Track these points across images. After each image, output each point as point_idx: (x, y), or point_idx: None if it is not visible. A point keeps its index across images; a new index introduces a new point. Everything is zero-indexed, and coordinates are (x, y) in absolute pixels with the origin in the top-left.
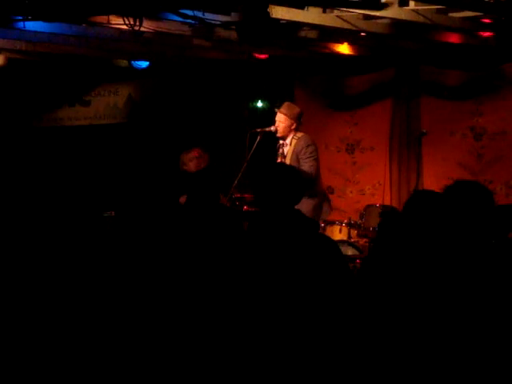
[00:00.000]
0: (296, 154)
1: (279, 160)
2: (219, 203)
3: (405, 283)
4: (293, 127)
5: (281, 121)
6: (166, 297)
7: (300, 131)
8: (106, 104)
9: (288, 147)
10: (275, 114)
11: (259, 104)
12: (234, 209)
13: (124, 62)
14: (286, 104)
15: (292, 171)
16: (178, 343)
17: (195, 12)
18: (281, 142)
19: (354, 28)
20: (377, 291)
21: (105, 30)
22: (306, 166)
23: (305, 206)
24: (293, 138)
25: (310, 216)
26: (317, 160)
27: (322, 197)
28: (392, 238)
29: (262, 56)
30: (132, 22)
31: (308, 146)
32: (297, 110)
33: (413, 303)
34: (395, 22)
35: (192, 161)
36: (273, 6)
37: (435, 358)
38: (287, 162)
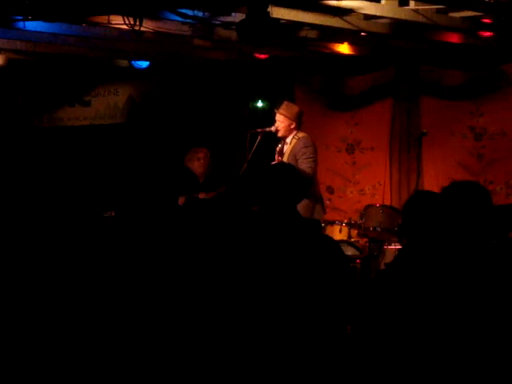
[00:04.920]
0: (294, 154)
1: (276, 158)
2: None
3: (405, 283)
4: (292, 126)
5: (280, 121)
6: (165, 297)
7: (302, 131)
8: (106, 104)
9: (287, 146)
10: (275, 114)
11: (259, 104)
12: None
13: (124, 62)
14: (284, 104)
15: (293, 170)
16: (177, 342)
17: (195, 12)
18: (282, 140)
19: (354, 28)
20: (377, 291)
21: (105, 30)
22: (303, 166)
23: (298, 206)
24: (293, 137)
25: None
26: (315, 162)
27: (315, 198)
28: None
29: (262, 56)
30: (132, 22)
31: (307, 146)
32: (296, 109)
33: (413, 303)
34: (395, 22)
35: (199, 160)
36: (273, 6)
37: (435, 358)
38: (284, 160)
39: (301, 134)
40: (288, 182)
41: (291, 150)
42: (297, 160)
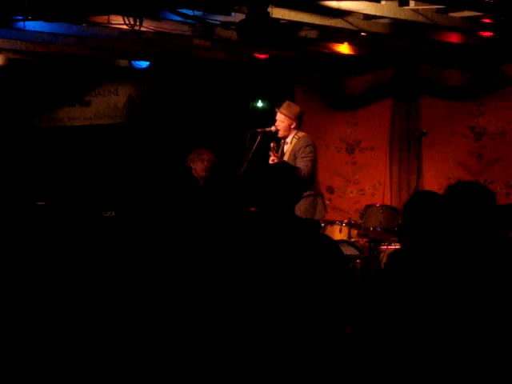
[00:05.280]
0: (294, 153)
1: (272, 158)
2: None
3: (405, 283)
4: (293, 126)
5: (281, 120)
6: (165, 296)
7: (302, 131)
8: (106, 104)
9: (288, 145)
10: (275, 113)
11: (259, 104)
12: (236, 209)
13: (124, 62)
14: (285, 103)
15: (290, 170)
16: (177, 342)
17: (195, 12)
18: (282, 140)
19: (354, 28)
20: (377, 291)
21: (105, 30)
22: (301, 164)
23: (297, 206)
24: (293, 137)
25: (302, 216)
26: (313, 161)
27: (316, 198)
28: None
29: (262, 56)
30: (132, 22)
31: (306, 146)
32: (297, 109)
33: (413, 303)
34: (395, 22)
35: (203, 162)
36: (273, 6)
37: (435, 358)
38: (285, 159)
39: (301, 134)
40: (285, 183)
41: (291, 150)
42: (295, 159)
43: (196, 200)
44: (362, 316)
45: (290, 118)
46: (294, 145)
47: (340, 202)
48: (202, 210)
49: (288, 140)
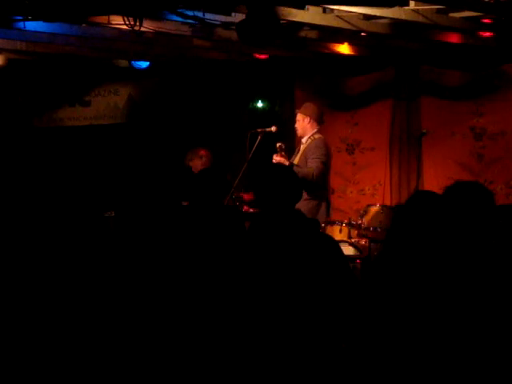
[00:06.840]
0: (305, 154)
1: (278, 158)
2: (222, 203)
3: (405, 283)
4: (307, 121)
5: (298, 119)
6: (166, 296)
7: (319, 134)
8: (106, 104)
9: (303, 146)
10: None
11: (259, 104)
12: (236, 208)
13: (124, 62)
14: (304, 104)
15: (289, 171)
16: (177, 342)
17: (195, 12)
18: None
19: (354, 28)
20: (377, 290)
21: (105, 30)
22: (310, 165)
23: (301, 206)
24: (309, 137)
25: None
26: (324, 163)
27: (321, 200)
28: (399, 237)
29: (262, 56)
30: (132, 22)
31: (318, 147)
32: (313, 106)
33: (413, 303)
34: (395, 22)
35: (201, 159)
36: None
37: (435, 358)
38: (296, 159)
39: (317, 136)
40: (285, 183)
41: (304, 150)
42: (306, 159)
43: (196, 199)
44: (363, 316)
45: (305, 114)
46: (308, 145)
47: (340, 202)
48: (202, 209)
49: (304, 140)
